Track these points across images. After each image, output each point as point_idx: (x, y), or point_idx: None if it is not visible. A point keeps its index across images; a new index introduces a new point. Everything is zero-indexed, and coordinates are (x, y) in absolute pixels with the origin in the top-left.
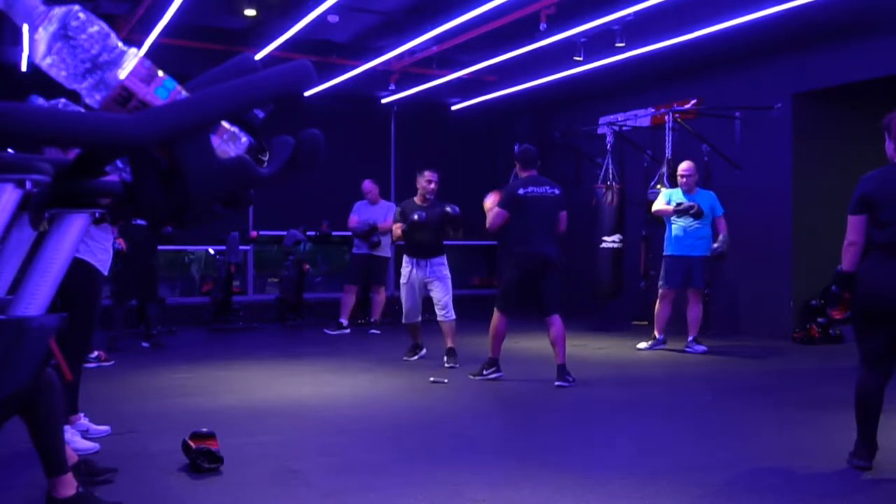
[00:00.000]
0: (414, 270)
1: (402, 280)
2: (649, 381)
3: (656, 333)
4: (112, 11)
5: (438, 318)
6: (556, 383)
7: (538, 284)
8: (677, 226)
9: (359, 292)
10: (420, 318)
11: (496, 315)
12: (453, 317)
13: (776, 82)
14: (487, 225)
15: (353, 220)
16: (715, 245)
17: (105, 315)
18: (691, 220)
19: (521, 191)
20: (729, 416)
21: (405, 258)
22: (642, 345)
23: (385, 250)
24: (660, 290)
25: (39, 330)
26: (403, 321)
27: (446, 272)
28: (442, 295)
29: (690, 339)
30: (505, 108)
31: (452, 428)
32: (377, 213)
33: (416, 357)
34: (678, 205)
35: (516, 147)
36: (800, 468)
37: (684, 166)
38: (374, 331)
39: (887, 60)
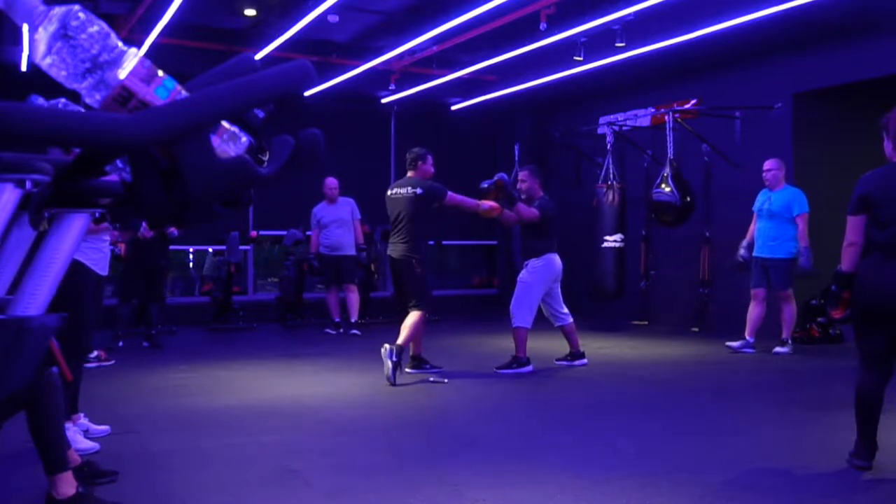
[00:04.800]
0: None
1: None
2: (649, 381)
3: (746, 335)
4: (112, 11)
5: None
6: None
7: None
8: (756, 226)
9: (337, 290)
10: (518, 323)
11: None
12: (515, 324)
13: (776, 82)
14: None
15: (313, 240)
16: (799, 262)
17: (108, 314)
18: (764, 220)
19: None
20: (729, 416)
21: None
22: (733, 343)
23: (349, 249)
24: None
25: (39, 330)
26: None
27: (526, 276)
28: (513, 298)
29: (781, 337)
30: (505, 108)
31: (452, 428)
32: (341, 211)
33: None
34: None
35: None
36: (800, 468)
37: (766, 163)
38: (354, 331)
39: (887, 60)
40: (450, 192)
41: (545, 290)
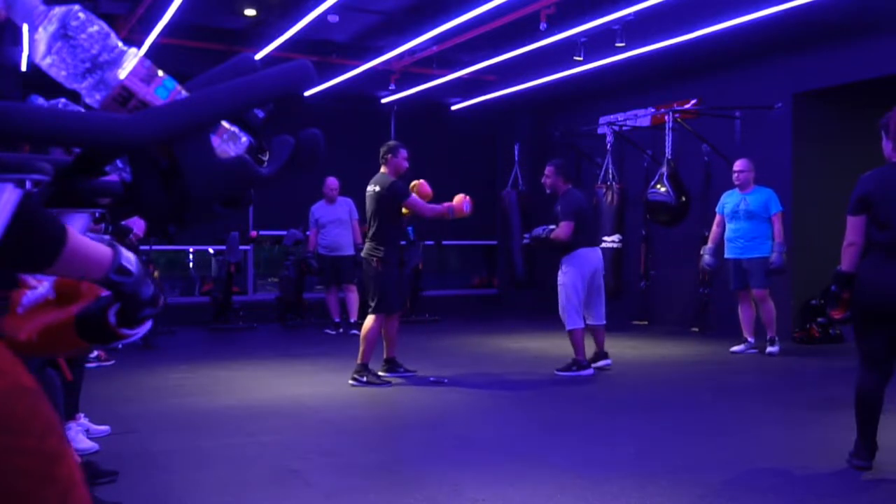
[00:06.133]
0: None
1: None
2: (649, 382)
3: (746, 336)
4: (112, 11)
5: None
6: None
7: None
8: (729, 228)
9: (336, 290)
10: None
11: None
12: (568, 327)
13: (776, 82)
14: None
15: (311, 240)
16: (771, 258)
17: None
18: (741, 220)
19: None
20: (729, 416)
21: None
22: (736, 348)
23: (348, 249)
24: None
25: None
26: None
27: (563, 278)
28: (559, 302)
29: (767, 338)
30: (505, 108)
31: (452, 428)
32: (339, 211)
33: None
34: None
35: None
36: (800, 468)
37: (737, 163)
38: (354, 331)
39: (887, 60)
40: (412, 197)
41: (585, 285)
